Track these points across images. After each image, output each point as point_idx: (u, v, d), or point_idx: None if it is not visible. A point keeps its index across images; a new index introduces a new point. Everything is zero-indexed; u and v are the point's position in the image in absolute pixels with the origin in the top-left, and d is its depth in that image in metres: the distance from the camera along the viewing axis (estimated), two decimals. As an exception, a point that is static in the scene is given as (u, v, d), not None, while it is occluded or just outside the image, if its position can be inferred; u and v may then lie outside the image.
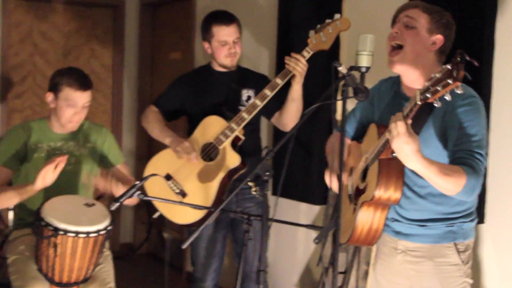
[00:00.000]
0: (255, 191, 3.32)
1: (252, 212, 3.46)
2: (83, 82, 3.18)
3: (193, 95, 3.57)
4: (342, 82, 2.30)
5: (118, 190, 3.06)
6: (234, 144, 3.39)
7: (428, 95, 1.95)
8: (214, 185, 3.36)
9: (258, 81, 3.55)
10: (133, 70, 6.03)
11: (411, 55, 2.36)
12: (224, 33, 3.43)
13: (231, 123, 3.35)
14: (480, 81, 2.82)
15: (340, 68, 2.27)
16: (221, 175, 3.34)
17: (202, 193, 3.38)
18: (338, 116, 3.80)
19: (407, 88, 2.45)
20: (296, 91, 3.31)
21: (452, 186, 2.15)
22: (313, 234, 3.94)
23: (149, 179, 2.77)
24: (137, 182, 2.70)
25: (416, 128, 2.12)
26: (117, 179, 3.10)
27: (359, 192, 2.47)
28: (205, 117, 3.43)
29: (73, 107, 3.17)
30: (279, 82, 3.31)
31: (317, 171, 3.79)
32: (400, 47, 2.37)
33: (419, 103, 2.00)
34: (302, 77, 3.27)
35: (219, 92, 3.52)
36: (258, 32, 4.33)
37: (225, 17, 3.47)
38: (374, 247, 2.76)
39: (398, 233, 2.49)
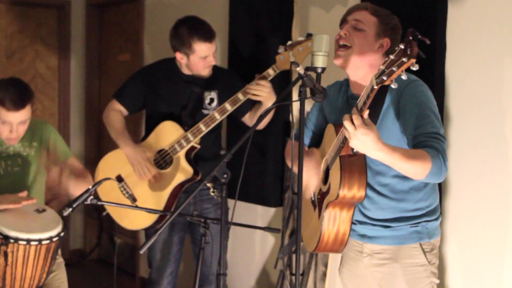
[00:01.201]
0: (213, 192, 3.34)
1: (210, 213, 3.46)
2: (16, 101, 2.91)
3: (153, 92, 3.51)
4: (299, 83, 2.32)
5: (72, 184, 3.01)
6: (189, 153, 3.38)
7: (384, 77, 1.95)
8: (164, 194, 3.35)
9: (222, 81, 3.51)
10: (80, 72, 5.94)
11: (358, 54, 2.39)
12: (206, 49, 3.34)
13: (188, 133, 3.33)
14: (433, 79, 2.88)
15: (297, 69, 2.28)
16: (172, 185, 3.34)
17: (152, 200, 3.36)
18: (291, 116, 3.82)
19: (356, 87, 2.46)
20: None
21: (419, 169, 2.16)
22: (270, 236, 3.95)
23: (102, 183, 2.75)
24: (90, 187, 2.67)
25: (373, 117, 2.12)
26: (70, 173, 3.05)
27: (322, 196, 2.47)
28: (162, 120, 3.40)
29: (8, 125, 2.97)
30: (241, 98, 3.30)
31: (272, 173, 3.80)
32: (346, 47, 2.40)
33: (376, 87, 1.99)
34: (269, 100, 3.25)
35: (180, 93, 3.47)
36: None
37: (206, 33, 3.35)
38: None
39: (363, 236, 2.50)
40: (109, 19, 5.80)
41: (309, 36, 3.20)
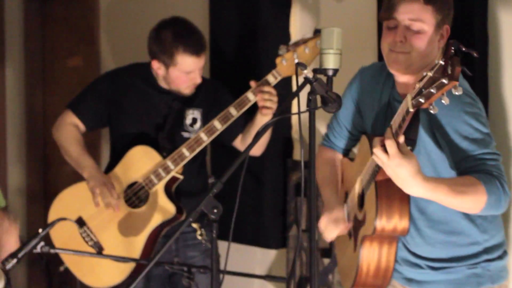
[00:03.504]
0: (200, 235, 3.32)
1: (197, 263, 3.43)
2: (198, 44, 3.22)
3: (120, 107, 3.49)
4: (306, 89, 2.33)
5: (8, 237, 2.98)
6: (169, 186, 3.36)
7: (421, 100, 1.97)
8: (139, 240, 3.33)
9: (209, 97, 3.50)
10: (19, 82, 5.92)
11: (418, 59, 2.40)
12: (192, 64, 3.33)
13: (167, 160, 3.32)
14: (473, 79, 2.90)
15: (305, 72, 2.29)
16: (149, 228, 3.32)
17: (124, 249, 3.34)
18: (294, 133, 3.83)
19: (404, 88, 2.48)
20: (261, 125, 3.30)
21: (472, 203, 2.19)
22: (271, 286, 3.94)
23: (55, 224, 2.73)
24: (40, 230, 2.65)
25: (409, 141, 2.15)
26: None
27: (358, 223, 2.49)
28: (133, 144, 3.38)
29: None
30: (234, 113, 3.30)
31: (272, 206, 3.81)
32: (404, 53, 2.40)
33: (411, 110, 2.02)
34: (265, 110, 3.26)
35: (155, 110, 3.46)
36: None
37: (195, 44, 3.35)
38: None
39: (410, 280, 2.51)
40: (54, 14, 5.79)
41: (317, 32, 3.21)
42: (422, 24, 2.39)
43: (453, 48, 1.92)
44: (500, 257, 2.47)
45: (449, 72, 1.90)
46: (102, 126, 3.62)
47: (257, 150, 3.41)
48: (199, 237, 3.29)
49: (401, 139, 2.10)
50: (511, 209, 2.90)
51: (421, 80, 1.99)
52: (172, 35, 3.34)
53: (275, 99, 3.26)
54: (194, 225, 3.16)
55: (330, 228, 2.62)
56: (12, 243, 2.94)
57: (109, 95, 3.49)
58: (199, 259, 3.47)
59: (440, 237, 2.43)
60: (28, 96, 5.92)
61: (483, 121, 2.34)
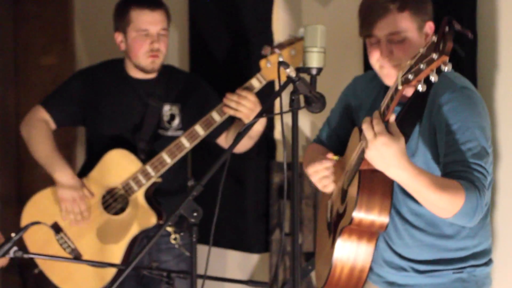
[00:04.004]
0: (174, 239, 3.31)
1: (170, 268, 3.42)
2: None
3: (95, 107, 3.47)
4: (289, 89, 2.34)
5: None
6: (148, 191, 3.34)
7: (410, 76, 1.98)
8: (120, 247, 3.32)
9: (188, 90, 3.49)
10: (-10, 82, 5.90)
11: None
12: (147, 19, 3.33)
13: (147, 166, 3.30)
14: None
15: (287, 71, 2.30)
16: (130, 236, 3.30)
17: (103, 256, 3.33)
18: (277, 134, 3.84)
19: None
20: (256, 130, 3.31)
21: (448, 204, 2.17)
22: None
23: (29, 229, 2.72)
24: (13, 234, 2.64)
25: (405, 128, 2.15)
26: None
27: (339, 218, 2.49)
28: (109, 146, 3.35)
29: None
30: (217, 118, 3.28)
31: (254, 209, 3.81)
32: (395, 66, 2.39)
33: (400, 88, 2.02)
34: (247, 116, 3.23)
35: (131, 108, 3.45)
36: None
37: (148, 0, 3.36)
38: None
39: (391, 284, 2.50)
40: (27, 12, 5.76)
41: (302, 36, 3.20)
42: (403, 34, 2.37)
43: (447, 25, 1.92)
44: (486, 264, 2.47)
45: (440, 48, 1.90)
46: (73, 125, 3.60)
47: (243, 146, 3.40)
48: (173, 241, 3.27)
49: (392, 118, 2.10)
50: (496, 219, 2.94)
51: (412, 57, 2.00)
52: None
53: (248, 103, 3.23)
54: (169, 229, 3.13)
55: (316, 169, 2.56)
56: None
57: (83, 95, 3.48)
58: (172, 264, 3.45)
59: (430, 239, 2.43)
60: (1, 96, 5.89)
61: (487, 136, 2.32)
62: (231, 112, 3.26)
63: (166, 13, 3.41)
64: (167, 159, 3.29)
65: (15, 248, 2.64)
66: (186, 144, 3.29)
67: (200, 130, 3.29)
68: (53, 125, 3.50)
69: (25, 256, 2.68)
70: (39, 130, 3.46)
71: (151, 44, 3.34)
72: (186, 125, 3.41)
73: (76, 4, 5.10)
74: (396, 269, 2.49)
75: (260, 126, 3.31)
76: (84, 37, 5.06)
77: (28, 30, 5.74)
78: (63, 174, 3.37)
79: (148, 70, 3.40)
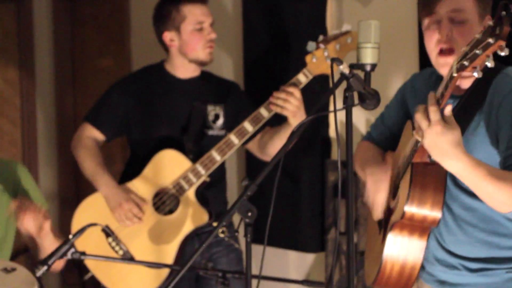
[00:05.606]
0: (222, 232, 3.33)
1: (222, 258, 3.47)
2: None
3: (142, 111, 3.50)
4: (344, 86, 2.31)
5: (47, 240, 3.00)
6: (198, 191, 3.35)
7: (465, 62, 1.95)
8: (172, 248, 3.33)
9: (227, 93, 3.52)
10: (49, 85, 5.97)
11: None
12: (201, 12, 3.40)
13: (197, 164, 3.31)
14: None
15: (341, 67, 2.27)
16: (182, 235, 3.32)
17: (156, 257, 3.35)
18: (332, 132, 3.81)
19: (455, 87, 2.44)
20: (289, 131, 3.27)
21: (507, 197, 2.13)
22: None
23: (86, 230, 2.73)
24: (70, 236, 2.66)
25: (462, 119, 2.12)
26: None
27: (390, 213, 2.47)
28: (157, 148, 3.37)
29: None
30: (265, 114, 3.28)
31: (309, 208, 3.79)
32: (450, 50, 2.36)
33: (455, 75, 1.99)
34: (298, 116, 3.22)
35: (177, 110, 3.47)
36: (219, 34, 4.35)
37: None
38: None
39: (443, 283, 2.46)
40: (83, 14, 5.83)
41: (346, 31, 3.19)
42: (465, 14, 2.35)
43: (503, 9, 1.89)
44: None
45: (497, 32, 1.88)
46: (120, 135, 3.63)
47: (275, 148, 3.36)
48: (221, 235, 3.29)
49: (448, 108, 2.06)
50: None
51: (468, 44, 1.97)
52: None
53: (294, 100, 3.20)
54: (215, 224, 3.13)
55: (375, 190, 2.54)
56: (51, 246, 2.97)
57: (126, 105, 3.52)
58: (223, 255, 3.47)
59: (482, 236, 2.39)
60: (58, 99, 5.97)
61: None
62: (278, 110, 3.25)
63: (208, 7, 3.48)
64: (216, 157, 3.31)
65: (72, 249, 2.66)
66: (235, 141, 3.31)
67: (249, 126, 3.30)
68: (101, 140, 3.56)
69: (83, 257, 2.70)
70: (85, 149, 3.54)
71: (208, 35, 3.42)
72: (229, 124, 3.43)
73: (131, 7, 5.13)
74: (448, 267, 2.45)
75: (290, 129, 3.27)
76: (139, 39, 5.09)
77: (84, 33, 5.81)
78: (106, 187, 3.43)
79: (206, 62, 3.47)
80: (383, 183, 2.54)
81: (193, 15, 3.38)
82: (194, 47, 3.41)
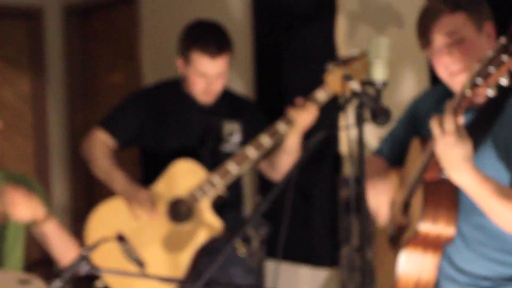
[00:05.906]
0: (241, 252, 3.32)
1: (238, 280, 3.43)
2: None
3: (154, 125, 3.50)
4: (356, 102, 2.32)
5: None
6: (213, 202, 3.35)
7: (478, 80, 1.93)
8: (184, 258, 3.32)
9: (243, 109, 3.51)
10: (60, 99, 5.99)
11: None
12: (206, 66, 3.28)
13: (214, 175, 3.31)
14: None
15: (353, 84, 2.29)
16: (195, 246, 3.29)
17: (168, 266, 3.34)
18: (342, 148, 3.82)
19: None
20: (292, 144, 3.26)
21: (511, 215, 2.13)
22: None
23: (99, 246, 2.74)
24: (84, 251, 2.67)
25: (474, 134, 2.11)
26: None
27: (401, 231, 2.46)
28: (172, 159, 3.37)
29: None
30: (282, 129, 3.24)
31: (321, 223, 3.79)
32: (460, 70, 2.34)
33: (467, 95, 1.98)
34: (303, 128, 3.22)
35: (192, 124, 3.47)
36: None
37: (211, 45, 3.28)
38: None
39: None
40: (94, 30, 5.85)
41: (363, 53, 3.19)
42: (461, 33, 2.32)
43: None
44: None
45: (511, 49, 1.85)
46: (132, 144, 3.62)
47: (284, 165, 3.35)
48: (241, 255, 3.29)
49: (461, 119, 2.06)
50: None
51: (480, 60, 1.95)
52: (194, 33, 3.35)
53: (310, 116, 3.20)
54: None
55: (379, 199, 2.58)
56: (56, 233, 2.97)
57: (148, 111, 3.50)
58: (241, 277, 3.42)
59: (491, 253, 2.38)
60: (70, 114, 5.98)
61: None
62: (290, 117, 3.23)
63: (229, 55, 3.35)
64: (233, 168, 3.28)
65: (88, 265, 2.67)
66: (252, 153, 3.29)
67: (266, 140, 3.28)
68: (113, 146, 3.53)
69: (97, 273, 2.71)
70: (99, 149, 3.50)
71: (206, 86, 3.34)
72: (244, 141, 3.42)
73: (142, 22, 5.13)
74: (461, 286, 2.44)
75: (293, 142, 3.28)
76: (150, 55, 5.09)
77: (95, 48, 5.82)
78: (122, 181, 3.40)
79: (202, 103, 3.42)
80: (382, 198, 2.57)
81: (198, 65, 3.29)
82: (194, 87, 3.36)
